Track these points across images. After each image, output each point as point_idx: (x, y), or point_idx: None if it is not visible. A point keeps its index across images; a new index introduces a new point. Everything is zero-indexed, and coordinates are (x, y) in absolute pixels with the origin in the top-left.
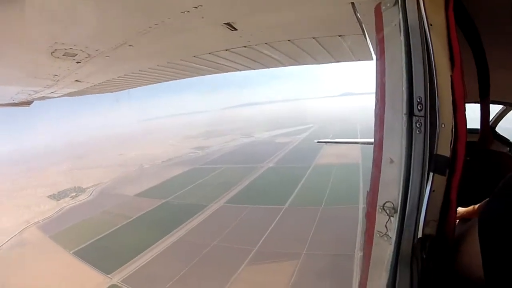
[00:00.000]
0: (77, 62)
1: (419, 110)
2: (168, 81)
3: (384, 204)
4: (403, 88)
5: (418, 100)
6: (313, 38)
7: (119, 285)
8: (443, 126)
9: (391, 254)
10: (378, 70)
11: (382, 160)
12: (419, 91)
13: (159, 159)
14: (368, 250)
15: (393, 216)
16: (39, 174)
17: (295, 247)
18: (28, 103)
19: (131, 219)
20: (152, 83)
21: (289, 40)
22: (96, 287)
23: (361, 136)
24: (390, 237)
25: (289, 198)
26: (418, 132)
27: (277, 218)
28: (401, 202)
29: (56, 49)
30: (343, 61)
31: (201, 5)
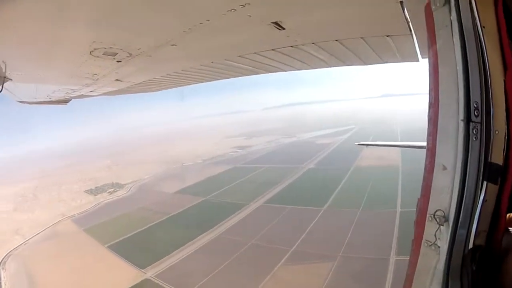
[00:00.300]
0: (118, 61)
1: (476, 116)
2: (211, 81)
3: (435, 212)
4: (460, 93)
5: (475, 105)
6: (361, 38)
7: (153, 279)
8: (496, 133)
9: (439, 264)
10: (431, 73)
11: (435, 167)
12: (475, 96)
13: (200, 157)
14: (414, 258)
15: (443, 225)
16: (77, 169)
17: (331, 249)
18: (65, 101)
19: (169, 216)
20: (195, 83)
21: (336, 40)
22: (129, 281)
23: (401, 139)
24: (439, 247)
25: (328, 200)
26: (474, 138)
27: (315, 220)
28: (453, 211)
29: (95, 48)
30: (390, 62)
31: (249, 3)
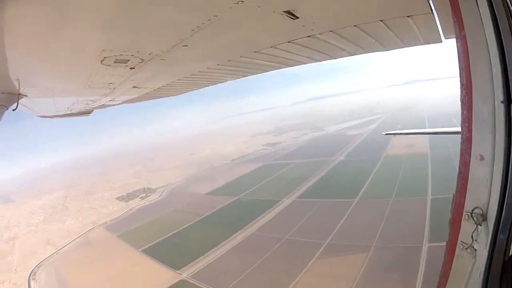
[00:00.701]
0: (131, 68)
1: None
2: (230, 80)
3: (473, 210)
4: (495, 70)
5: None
6: (381, 21)
7: (189, 280)
8: None
9: (476, 270)
10: (459, 50)
11: (471, 157)
12: None
13: (230, 157)
14: (449, 261)
15: (481, 225)
16: (107, 178)
17: (365, 240)
18: (87, 112)
19: (202, 217)
20: (214, 84)
21: (355, 26)
22: (166, 283)
23: (429, 125)
24: (476, 250)
25: (360, 191)
26: None
27: (348, 212)
28: (493, 209)
29: (105, 57)
30: (412, 45)
31: None
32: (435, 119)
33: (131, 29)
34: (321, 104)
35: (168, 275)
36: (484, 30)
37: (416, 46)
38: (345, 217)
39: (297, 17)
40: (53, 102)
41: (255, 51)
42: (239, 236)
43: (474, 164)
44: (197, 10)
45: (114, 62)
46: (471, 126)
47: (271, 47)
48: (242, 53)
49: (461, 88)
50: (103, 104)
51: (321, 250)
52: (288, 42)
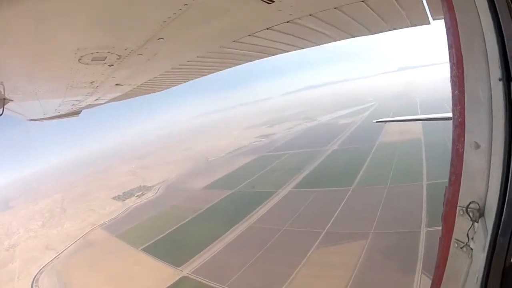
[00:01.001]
0: (110, 65)
1: None
2: (214, 72)
3: (468, 205)
4: (491, 44)
5: None
6: (362, 1)
7: (190, 276)
8: None
9: (472, 273)
10: (448, 24)
11: (465, 145)
12: None
13: (225, 151)
14: (443, 260)
15: (478, 222)
16: (102, 178)
17: (363, 227)
18: (76, 113)
19: (200, 212)
20: (199, 77)
21: (335, 8)
22: (167, 280)
23: (421, 111)
24: (472, 250)
25: (356, 179)
26: None
27: (345, 200)
28: (492, 203)
29: (82, 56)
30: (398, 28)
31: None
32: (427, 105)
33: (102, 26)
34: (313, 93)
35: (169, 272)
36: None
37: (404, 29)
38: (341, 205)
39: (273, 1)
40: (40, 105)
41: (234, 41)
42: (238, 229)
43: (468, 153)
44: (165, 0)
45: (91, 60)
46: (464, 109)
47: (249, 35)
48: (221, 43)
49: (450, 66)
50: (89, 104)
51: (319, 239)
52: (267, 29)
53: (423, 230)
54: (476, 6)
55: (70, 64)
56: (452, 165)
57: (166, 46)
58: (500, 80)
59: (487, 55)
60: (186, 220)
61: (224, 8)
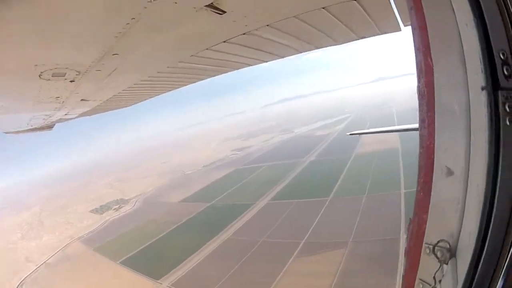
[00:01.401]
0: (71, 81)
1: (508, 77)
2: (180, 87)
3: (436, 243)
4: (470, 40)
5: (502, 57)
6: (323, 8)
7: None
8: None
9: None
10: (415, 26)
11: (434, 171)
12: (500, 41)
13: (201, 164)
14: None
15: (447, 264)
16: (80, 191)
17: (342, 236)
18: (49, 127)
19: (177, 225)
20: (165, 92)
21: (294, 17)
22: None
23: (398, 122)
24: None
25: (333, 189)
26: (509, 121)
27: (322, 210)
28: (467, 244)
29: (42, 72)
30: (368, 36)
31: None
32: (404, 116)
33: (57, 42)
34: (291, 105)
35: (149, 285)
36: None
37: (375, 37)
38: (319, 215)
39: (224, 11)
40: (13, 119)
41: (192, 55)
42: (216, 241)
43: (438, 180)
44: (112, 15)
45: (52, 76)
46: (434, 127)
47: (207, 49)
48: (179, 58)
49: (417, 74)
50: (60, 118)
51: (298, 249)
52: (224, 42)
53: (403, 237)
54: None
55: (32, 80)
56: (418, 193)
57: (123, 62)
58: (483, 89)
59: (464, 58)
60: (164, 233)
61: (175, 21)
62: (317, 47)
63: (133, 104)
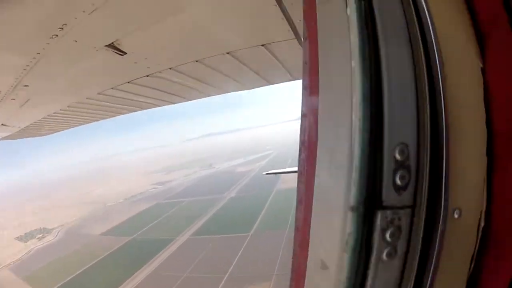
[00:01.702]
0: None
1: (403, 186)
2: (95, 121)
3: None
4: (356, 125)
5: (399, 156)
6: (227, 53)
7: None
8: (456, 215)
9: None
10: (304, 91)
11: (308, 263)
12: (400, 131)
13: (122, 196)
14: None
15: None
16: (4, 214)
17: (266, 269)
18: None
19: (99, 258)
20: (82, 124)
21: (196, 61)
22: None
23: None
24: None
25: (254, 225)
26: (389, 254)
27: (244, 245)
28: None
29: None
30: (278, 82)
31: (66, 24)
32: None
33: None
34: (212, 141)
35: None
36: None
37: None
38: (241, 250)
39: (125, 52)
40: None
41: (99, 93)
42: (138, 277)
43: (312, 273)
44: (19, 48)
45: None
46: (309, 227)
47: (112, 88)
48: (87, 94)
49: (299, 152)
50: None
51: (222, 283)
52: (128, 82)
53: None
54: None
55: None
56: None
57: (34, 93)
58: (351, 209)
59: (353, 144)
60: (86, 266)
61: (78, 59)
62: (226, 91)
63: (52, 133)
